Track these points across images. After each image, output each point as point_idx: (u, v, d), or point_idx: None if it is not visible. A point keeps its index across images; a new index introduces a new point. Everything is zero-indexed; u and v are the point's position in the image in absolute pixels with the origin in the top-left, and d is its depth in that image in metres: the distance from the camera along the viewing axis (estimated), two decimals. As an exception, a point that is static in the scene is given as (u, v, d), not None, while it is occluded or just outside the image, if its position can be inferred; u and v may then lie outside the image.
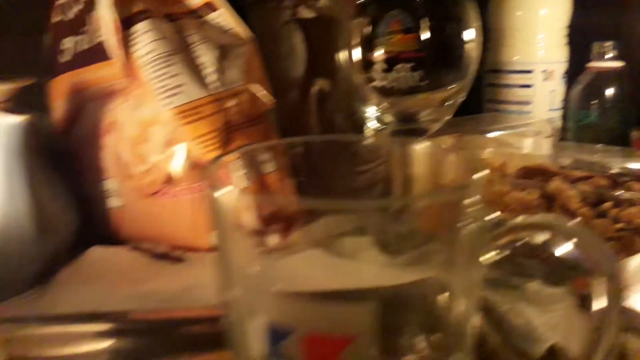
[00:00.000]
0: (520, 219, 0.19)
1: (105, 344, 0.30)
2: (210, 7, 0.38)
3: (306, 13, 0.50)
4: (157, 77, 0.36)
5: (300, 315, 0.17)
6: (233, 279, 0.20)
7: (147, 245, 0.44)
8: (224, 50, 0.38)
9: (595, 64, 0.66)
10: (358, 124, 0.51)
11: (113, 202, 0.45)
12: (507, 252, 0.23)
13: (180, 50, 0.37)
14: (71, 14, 0.43)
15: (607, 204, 0.43)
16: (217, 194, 0.19)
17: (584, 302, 0.27)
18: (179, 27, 0.37)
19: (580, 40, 0.67)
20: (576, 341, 0.24)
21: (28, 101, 0.41)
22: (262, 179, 0.40)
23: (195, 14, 0.38)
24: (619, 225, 0.42)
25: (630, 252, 0.37)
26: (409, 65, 0.40)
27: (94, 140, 0.42)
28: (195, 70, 0.37)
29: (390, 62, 0.40)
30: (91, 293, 0.38)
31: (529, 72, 0.66)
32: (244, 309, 0.19)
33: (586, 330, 0.20)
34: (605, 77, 0.65)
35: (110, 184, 0.44)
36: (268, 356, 0.18)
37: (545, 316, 0.28)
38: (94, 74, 0.41)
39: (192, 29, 0.38)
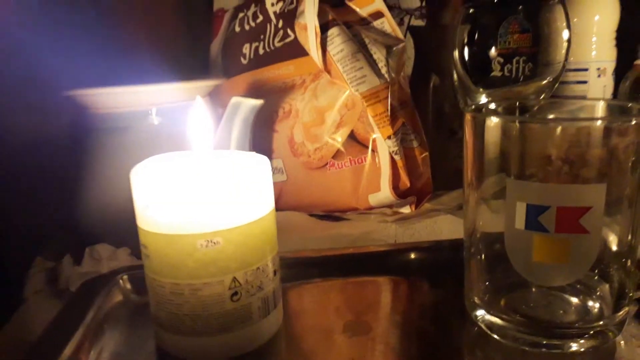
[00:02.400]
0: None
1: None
2: (377, 15, 0.50)
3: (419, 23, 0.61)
4: (347, 70, 0.47)
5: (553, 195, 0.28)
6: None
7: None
8: (389, 49, 0.49)
9: (641, 62, 0.77)
10: (461, 112, 0.62)
11: (277, 178, 0.56)
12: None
13: (361, 49, 0.48)
14: (247, 26, 0.54)
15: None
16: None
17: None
18: (355, 31, 0.49)
19: (628, 41, 0.79)
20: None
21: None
22: (408, 152, 0.52)
23: (365, 21, 0.50)
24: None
25: None
26: (523, 59, 0.51)
27: (268, 126, 0.54)
28: (372, 64, 0.48)
29: (507, 56, 0.52)
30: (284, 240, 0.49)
31: (584, 70, 0.78)
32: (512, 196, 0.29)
33: None
34: (650, 72, 0.77)
35: (276, 162, 0.55)
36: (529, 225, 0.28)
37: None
38: (273, 73, 0.52)
39: (364, 32, 0.49)
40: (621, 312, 0.31)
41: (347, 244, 0.45)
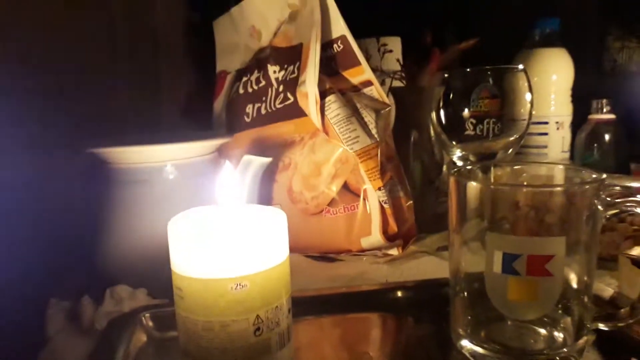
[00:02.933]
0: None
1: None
2: (366, 84, 0.57)
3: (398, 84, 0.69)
4: (342, 131, 0.54)
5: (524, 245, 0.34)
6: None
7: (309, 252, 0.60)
8: (377, 112, 0.56)
9: (594, 116, 0.87)
10: (438, 163, 0.69)
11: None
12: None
13: (354, 113, 0.55)
14: (250, 89, 0.61)
15: (625, 214, 0.62)
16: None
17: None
18: (348, 97, 0.56)
19: (582, 98, 0.89)
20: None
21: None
22: (395, 201, 0.58)
23: (357, 88, 0.57)
24: (634, 227, 0.60)
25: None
26: (492, 120, 0.59)
27: (269, 176, 0.59)
28: (364, 126, 0.55)
29: (479, 118, 0.59)
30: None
31: (545, 123, 0.87)
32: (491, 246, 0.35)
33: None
34: (602, 126, 0.87)
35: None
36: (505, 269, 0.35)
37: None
38: (275, 130, 0.59)
39: (356, 98, 0.56)
40: (581, 341, 0.37)
41: (344, 284, 0.51)
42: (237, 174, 0.49)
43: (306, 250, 0.60)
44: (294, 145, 0.58)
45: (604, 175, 0.36)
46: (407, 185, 0.59)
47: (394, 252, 0.58)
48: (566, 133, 0.88)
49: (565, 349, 0.37)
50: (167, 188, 0.51)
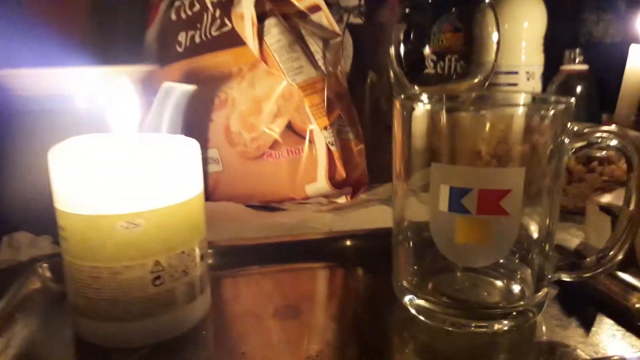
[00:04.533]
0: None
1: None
2: (314, 9, 0.50)
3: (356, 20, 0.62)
4: (283, 60, 0.47)
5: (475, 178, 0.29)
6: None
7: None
8: (326, 42, 0.49)
9: (567, 67, 0.81)
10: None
11: (212, 168, 0.55)
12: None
13: (298, 41, 0.48)
14: (184, 15, 0.53)
15: (594, 163, 0.57)
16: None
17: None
18: (293, 23, 0.49)
19: (554, 48, 0.83)
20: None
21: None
22: (344, 143, 0.52)
23: (303, 14, 0.50)
24: (604, 178, 0.56)
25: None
26: (454, 57, 0.53)
27: (204, 115, 0.53)
28: (309, 55, 0.48)
29: (440, 54, 0.53)
30: (218, 230, 0.48)
31: (515, 72, 0.81)
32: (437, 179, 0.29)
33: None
34: (575, 77, 0.81)
35: (212, 152, 0.54)
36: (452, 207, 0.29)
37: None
38: (210, 61, 0.52)
39: (302, 25, 0.49)
40: (541, 293, 0.32)
41: (283, 232, 0.45)
42: (156, 103, 0.42)
43: (246, 200, 0.54)
44: (231, 79, 0.51)
45: (573, 99, 0.30)
46: (358, 127, 0.53)
47: (342, 200, 0.52)
48: (537, 84, 0.83)
49: (522, 302, 0.32)
50: (79, 119, 0.44)
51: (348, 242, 0.42)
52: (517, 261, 0.33)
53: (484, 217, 0.29)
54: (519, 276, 0.33)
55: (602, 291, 0.34)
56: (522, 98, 0.35)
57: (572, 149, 0.31)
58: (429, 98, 0.38)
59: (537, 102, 0.35)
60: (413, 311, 0.32)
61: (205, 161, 0.55)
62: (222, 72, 0.51)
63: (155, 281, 0.30)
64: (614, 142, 0.30)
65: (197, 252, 0.32)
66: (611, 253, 0.31)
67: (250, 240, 0.41)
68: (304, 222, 0.46)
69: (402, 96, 0.35)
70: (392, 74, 0.60)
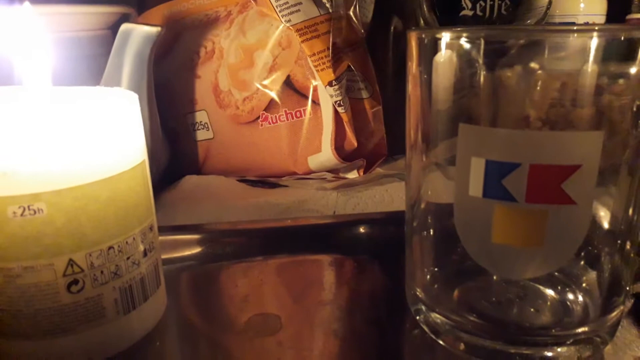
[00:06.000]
0: None
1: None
2: None
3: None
4: (278, -4, 0.38)
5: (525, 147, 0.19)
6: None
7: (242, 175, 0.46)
8: (332, -24, 0.39)
9: (634, 16, 0.68)
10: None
11: (202, 135, 0.46)
12: None
13: (296, -27, 0.38)
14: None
15: None
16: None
17: None
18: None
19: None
20: None
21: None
22: (356, 104, 0.42)
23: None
24: None
25: None
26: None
27: (189, 70, 0.44)
28: (310, -9, 0.39)
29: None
30: (197, 211, 0.40)
31: (571, 24, 0.69)
32: (466, 148, 0.20)
33: None
34: (644, 28, 0.68)
35: (200, 116, 0.46)
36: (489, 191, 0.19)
37: None
38: (193, 3, 0.42)
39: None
40: (614, 313, 0.22)
41: (273, 216, 0.36)
42: (113, 51, 0.34)
43: (241, 173, 0.45)
44: (217, 24, 0.41)
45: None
46: (375, 84, 0.43)
47: (353, 175, 0.43)
48: (597, 38, 0.71)
49: (586, 327, 0.22)
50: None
51: (356, 230, 0.33)
52: (581, 264, 0.24)
53: (537, 207, 0.19)
54: (582, 286, 0.24)
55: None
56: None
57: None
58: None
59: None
60: (427, 330, 0.24)
61: (193, 127, 0.46)
62: (208, 15, 0.42)
63: (71, 287, 0.21)
64: None
65: (138, 245, 0.23)
66: None
67: (227, 225, 0.33)
68: (302, 203, 0.37)
69: (419, 29, 0.25)
70: (421, 19, 0.50)
